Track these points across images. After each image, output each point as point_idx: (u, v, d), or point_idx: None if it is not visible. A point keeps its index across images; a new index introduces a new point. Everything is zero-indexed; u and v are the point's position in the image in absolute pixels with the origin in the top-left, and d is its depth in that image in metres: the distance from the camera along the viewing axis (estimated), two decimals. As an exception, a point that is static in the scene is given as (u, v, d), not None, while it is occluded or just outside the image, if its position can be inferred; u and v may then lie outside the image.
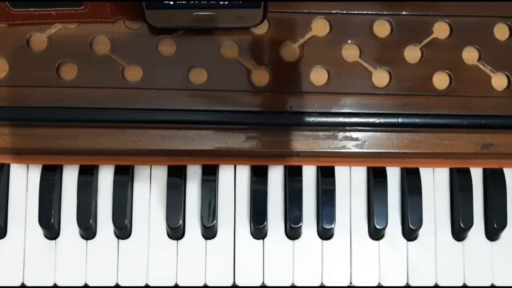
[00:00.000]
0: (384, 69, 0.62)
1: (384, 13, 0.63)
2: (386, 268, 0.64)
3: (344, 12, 0.63)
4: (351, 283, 0.63)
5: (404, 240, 0.64)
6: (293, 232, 0.63)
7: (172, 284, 0.62)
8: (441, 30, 0.63)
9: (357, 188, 0.64)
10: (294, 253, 0.63)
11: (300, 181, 0.63)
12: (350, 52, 0.62)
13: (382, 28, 0.63)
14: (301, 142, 0.61)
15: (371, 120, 0.61)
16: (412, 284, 0.63)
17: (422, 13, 0.63)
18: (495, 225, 0.63)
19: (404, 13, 0.63)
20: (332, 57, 0.62)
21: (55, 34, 0.61)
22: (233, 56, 0.62)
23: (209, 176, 0.63)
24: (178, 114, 0.60)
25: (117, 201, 0.62)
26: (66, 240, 0.63)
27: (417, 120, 0.61)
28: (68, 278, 0.62)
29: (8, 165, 0.63)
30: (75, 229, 0.62)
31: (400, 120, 0.61)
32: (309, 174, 0.64)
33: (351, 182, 0.65)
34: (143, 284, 0.62)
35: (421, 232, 0.64)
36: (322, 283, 0.63)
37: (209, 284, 0.63)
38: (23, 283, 0.62)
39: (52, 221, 0.61)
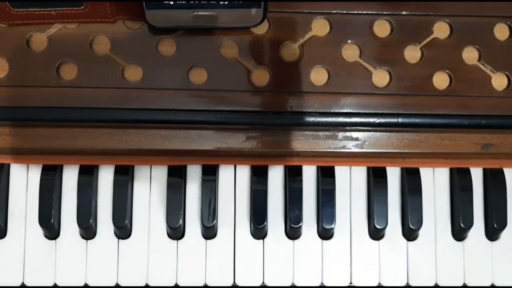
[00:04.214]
0: (384, 69, 0.62)
1: (384, 13, 0.63)
2: (386, 268, 0.64)
3: (344, 12, 0.62)
4: (351, 283, 0.63)
5: (404, 240, 0.64)
6: (293, 232, 0.63)
7: (172, 284, 0.62)
8: (441, 30, 0.63)
9: (357, 188, 0.64)
10: (294, 253, 0.63)
11: (300, 181, 0.63)
12: (350, 52, 0.62)
13: (382, 28, 0.63)
14: (301, 142, 0.61)
15: (371, 120, 0.61)
16: (412, 284, 0.63)
17: (422, 13, 0.63)
18: (495, 225, 0.63)
19: (404, 13, 0.63)
20: (332, 57, 0.62)
21: (55, 34, 0.61)
22: (233, 56, 0.62)
23: (209, 176, 0.63)
24: (178, 114, 0.60)
25: (117, 201, 0.62)
26: (66, 240, 0.63)
27: (417, 120, 0.61)
28: (68, 278, 0.62)
29: (8, 165, 0.63)
30: (75, 229, 0.62)
31: (400, 120, 0.61)
32: (309, 174, 0.64)
33: (351, 182, 0.64)
34: (143, 284, 0.62)
35: (421, 232, 0.64)
36: (322, 283, 0.63)
37: (209, 284, 0.63)
38: (23, 283, 0.62)
39: (52, 221, 0.61)
